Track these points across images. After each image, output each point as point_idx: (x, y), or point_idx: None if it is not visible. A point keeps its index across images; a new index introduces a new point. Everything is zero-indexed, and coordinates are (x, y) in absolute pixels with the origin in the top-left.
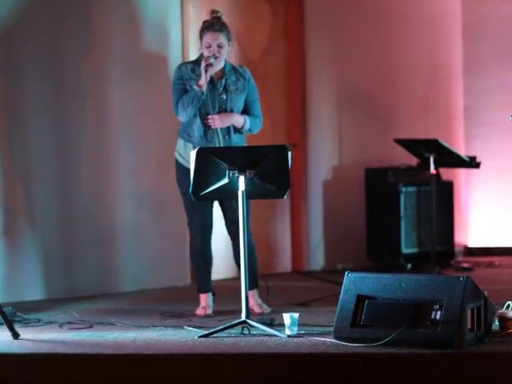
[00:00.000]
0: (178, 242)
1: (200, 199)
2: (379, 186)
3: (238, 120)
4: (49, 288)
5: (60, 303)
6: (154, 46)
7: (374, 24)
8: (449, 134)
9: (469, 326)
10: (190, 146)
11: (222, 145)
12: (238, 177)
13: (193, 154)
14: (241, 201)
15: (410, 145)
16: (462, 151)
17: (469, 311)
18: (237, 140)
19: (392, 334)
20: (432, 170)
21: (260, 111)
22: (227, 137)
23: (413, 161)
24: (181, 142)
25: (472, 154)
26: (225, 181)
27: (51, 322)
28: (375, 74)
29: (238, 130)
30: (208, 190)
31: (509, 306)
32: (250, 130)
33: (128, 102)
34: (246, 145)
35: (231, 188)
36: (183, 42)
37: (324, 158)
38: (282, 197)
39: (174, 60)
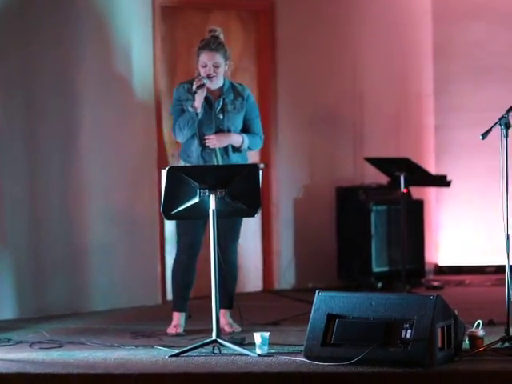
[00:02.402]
0: (149, 261)
1: (170, 218)
2: (350, 204)
3: (236, 139)
4: (19, 307)
5: (30, 323)
6: (126, 63)
7: (345, 44)
8: (419, 152)
9: (439, 344)
10: (186, 165)
11: (220, 164)
12: (208, 196)
13: (163, 173)
14: (212, 220)
15: (380, 163)
16: (433, 170)
17: (439, 330)
18: (236, 159)
19: (362, 353)
20: (402, 188)
21: (260, 129)
22: (225, 156)
23: (383, 179)
24: (181, 163)
25: (442, 172)
26: (196, 200)
27: (21, 342)
28: (346, 93)
29: (236, 149)
30: (179, 209)
31: (479, 324)
32: (249, 148)
33: (100, 120)
34: (247, 163)
35: (202, 207)
36: (154, 60)
37: (295, 176)
38: (253, 216)
39: (146, 77)
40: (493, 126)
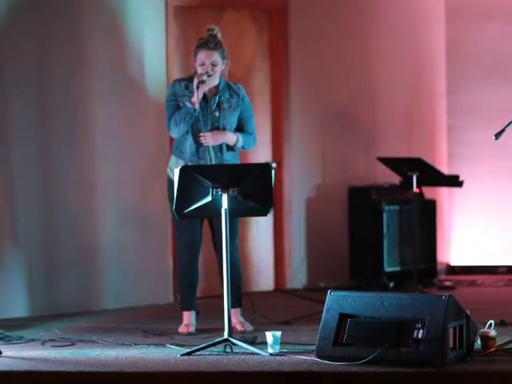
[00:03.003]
0: (161, 259)
1: (184, 217)
2: (362, 204)
3: (231, 138)
4: (31, 305)
5: (42, 321)
6: (138, 62)
7: (359, 43)
8: (432, 152)
9: (451, 344)
10: (182, 162)
11: (213, 162)
12: (221, 195)
13: (176, 172)
14: (224, 219)
15: (393, 163)
16: (445, 170)
17: (451, 330)
18: (229, 158)
19: (374, 353)
20: (415, 188)
21: (254, 129)
22: (219, 154)
23: (396, 179)
24: (173, 158)
25: (455, 172)
26: (208, 199)
27: (33, 340)
28: (359, 92)
29: (230, 148)
30: (191, 208)
31: (491, 324)
32: (243, 147)
33: (113, 117)
34: (238, 162)
35: (214, 206)
36: (167, 58)
37: (307, 176)
38: (266, 215)
39: (158, 76)
40: (506, 126)
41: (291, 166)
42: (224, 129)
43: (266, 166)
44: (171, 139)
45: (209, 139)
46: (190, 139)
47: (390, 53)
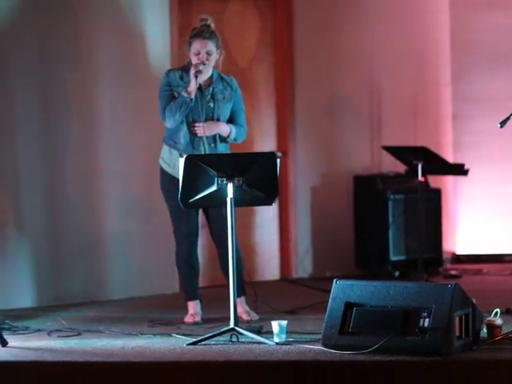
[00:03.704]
0: (166, 249)
1: (189, 206)
2: (367, 193)
3: (225, 129)
4: (37, 296)
5: (48, 311)
6: (142, 54)
7: (363, 32)
8: (437, 141)
9: (457, 333)
10: (175, 152)
11: (207, 153)
12: (226, 184)
13: (181, 162)
14: (229, 208)
15: (398, 152)
16: (450, 158)
17: (457, 318)
18: (222, 149)
19: (380, 342)
20: (420, 177)
21: (245, 121)
22: (213, 145)
23: (401, 168)
24: (166, 148)
25: (460, 161)
26: (213, 188)
27: (39, 330)
28: (363, 81)
29: (223, 139)
30: (196, 198)
31: (497, 313)
32: (234, 139)
33: (116, 109)
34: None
35: (220, 195)
36: (172, 49)
37: (312, 165)
38: (271, 204)
39: (162, 68)
40: (511, 114)
41: (296, 155)
42: (218, 120)
43: (271, 156)
44: None
45: (204, 129)
46: (184, 129)
47: (395, 41)
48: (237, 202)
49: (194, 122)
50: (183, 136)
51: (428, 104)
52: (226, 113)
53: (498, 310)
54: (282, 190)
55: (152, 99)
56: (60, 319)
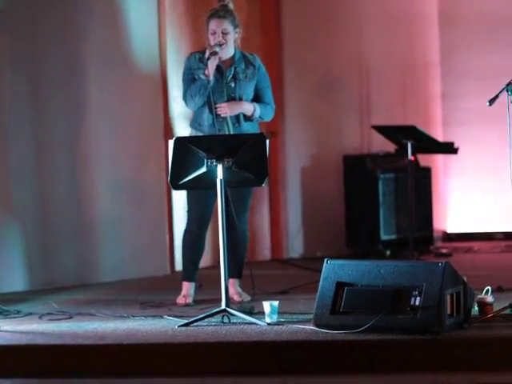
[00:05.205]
0: (157, 231)
1: (178, 188)
2: (357, 172)
3: (248, 108)
4: (28, 279)
5: (39, 294)
6: (131, 37)
7: (350, 11)
8: (426, 120)
9: (448, 311)
10: (200, 135)
11: (231, 132)
12: (216, 165)
13: (171, 143)
14: (219, 189)
15: (387, 131)
16: (440, 137)
17: (448, 297)
18: (248, 128)
19: (372, 321)
20: (410, 156)
21: (271, 98)
22: (237, 125)
23: (391, 147)
24: (192, 132)
25: (450, 139)
26: (203, 170)
27: (31, 314)
28: (352, 61)
29: (248, 118)
30: (186, 179)
31: (488, 291)
32: (260, 117)
33: (107, 93)
34: (258, 132)
35: (209, 177)
36: (160, 32)
37: (302, 145)
38: (261, 185)
39: (151, 50)
40: (500, 92)
41: (286, 136)
42: (240, 99)
43: (260, 136)
44: (166, 113)
45: (225, 109)
46: (206, 111)
47: (383, 21)
48: (227, 184)
49: (216, 103)
50: (206, 118)
51: (417, 83)
52: (248, 92)
53: (489, 287)
54: (271, 171)
55: (141, 84)
56: (51, 302)
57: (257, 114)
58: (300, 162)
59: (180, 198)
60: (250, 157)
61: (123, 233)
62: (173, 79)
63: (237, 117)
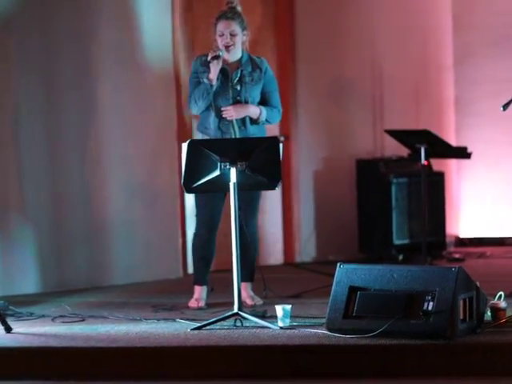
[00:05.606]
0: (170, 234)
1: (191, 191)
2: (370, 177)
3: (254, 111)
4: (41, 281)
5: (52, 297)
6: (144, 38)
7: (365, 15)
8: (440, 124)
9: (461, 316)
10: (212, 138)
11: (237, 136)
12: (229, 169)
13: (184, 146)
14: (232, 193)
15: (400, 135)
16: (453, 142)
17: (461, 302)
18: (254, 131)
19: (384, 325)
20: (423, 160)
21: (278, 102)
22: (243, 128)
23: (404, 152)
24: (198, 135)
25: (463, 144)
26: (216, 173)
27: (43, 316)
28: (365, 65)
29: (254, 121)
30: (200, 182)
31: (501, 296)
32: (267, 120)
33: (120, 94)
34: (265, 135)
35: (223, 180)
36: (173, 32)
37: (315, 149)
38: (274, 188)
39: (164, 51)
40: None
41: (299, 139)
42: (246, 102)
43: (273, 140)
44: (179, 114)
45: (231, 112)
46: (212, 115)
47: (397, 25)
48: (240, 187)
49: (221, 106)
50: (212, 121)
51: (430, 87)
52: (254, 95)
53: (501, 292)
54: (284, 175)
55: (154, 85)
56: (64, 305)
57: (263, 117)
58: (313, 165)
59: (193, 201)
60: (263, 160)
61: (136, 235)
62: (186, 80)
63: (243, 120)
